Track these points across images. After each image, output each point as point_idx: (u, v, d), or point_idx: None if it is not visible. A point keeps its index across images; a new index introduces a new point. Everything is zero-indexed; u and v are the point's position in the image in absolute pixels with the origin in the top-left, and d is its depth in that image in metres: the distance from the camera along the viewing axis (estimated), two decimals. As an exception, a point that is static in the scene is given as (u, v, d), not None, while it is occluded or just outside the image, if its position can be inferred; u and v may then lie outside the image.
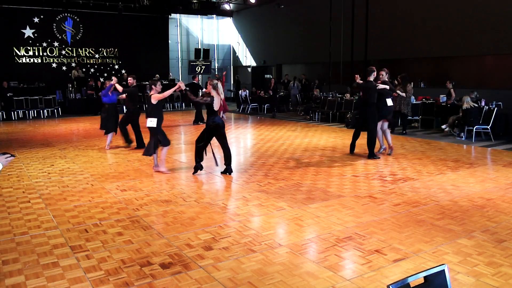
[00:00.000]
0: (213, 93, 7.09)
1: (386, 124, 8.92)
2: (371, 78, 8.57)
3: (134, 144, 9.99)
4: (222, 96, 7.38)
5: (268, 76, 24.15)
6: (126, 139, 10.10)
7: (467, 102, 10.76)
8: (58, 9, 19.94)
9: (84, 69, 20.68)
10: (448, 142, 10.52)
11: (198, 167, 7.45)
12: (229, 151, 7.38)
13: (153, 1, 21.23)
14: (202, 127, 8.50)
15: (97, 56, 21.36)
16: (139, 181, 7.04)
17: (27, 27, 19.45)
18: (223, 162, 7.48)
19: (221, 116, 12.39)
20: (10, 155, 3.11)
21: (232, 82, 27.19)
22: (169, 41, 23.76)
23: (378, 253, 4.11)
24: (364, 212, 5.32)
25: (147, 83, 19.35)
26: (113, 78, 9.67)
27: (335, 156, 8.98)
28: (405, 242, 4.37)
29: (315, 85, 19.24)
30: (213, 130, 7.17)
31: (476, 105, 11.02)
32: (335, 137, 11.47)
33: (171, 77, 22.84)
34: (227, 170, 7.41)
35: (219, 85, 7.26)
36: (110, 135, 9.95)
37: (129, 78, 9.79)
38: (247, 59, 25.45)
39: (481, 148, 9.85)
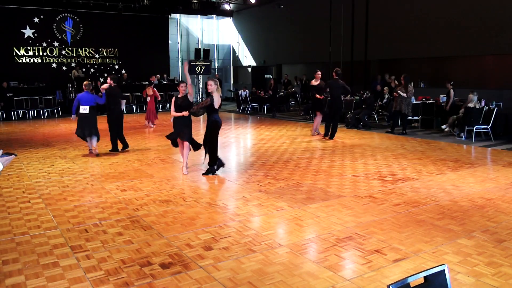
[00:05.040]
0: (215, 92, 7.13)
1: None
2: (338, 77, 10.93)
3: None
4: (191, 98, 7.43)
5: (268, 76, 24.16)
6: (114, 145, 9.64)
7: (473, 102, 10.73)
8: (58, 9, 19.94)
9: (84, 69, 20.68)
10: (448, 142, 10.52)
11: (220, 164, 7.45)
12: (215, 152, 7.33)
13: (153, 1, 21.22)
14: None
15: (97, 56, 21.36)
16: (139, 181, 7.04)
17: (27, 27, 19.45)
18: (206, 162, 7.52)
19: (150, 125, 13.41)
20: (13, 155, 3.13)
21: (232, 82, 27.20)
22: (169, 41, 23.77)
23: (378, 253, 4.11)
24: (364, 212, 5.32)
25: (147, 83, 19.39)
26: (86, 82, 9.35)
27: (335, 156, 8.98)
28: (405, 242, 4.37)
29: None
30: (213, 128, 7.20)
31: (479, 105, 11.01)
32: (335, 137, 11.45)
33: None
34: (211, 171, 7.39)
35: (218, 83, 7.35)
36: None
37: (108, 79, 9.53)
38: (247, 59, 25.45)
39: (481, 148, 9.84)
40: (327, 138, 11.13)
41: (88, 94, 9.02)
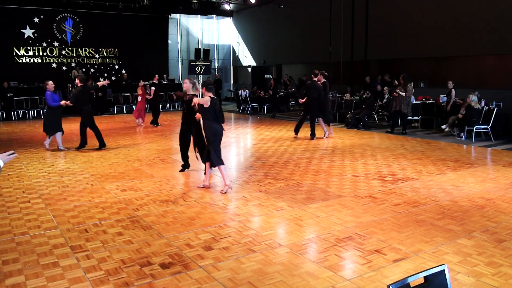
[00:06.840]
0: (191, 91, 6.95)
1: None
2: (316, 79, 11.03)
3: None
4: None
5: (268, 76, 24.16)
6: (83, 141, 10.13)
7: (475, 102, 10.72)
8: (58, 9, 19.93)
9: (84, 69, 20.67)
10: (448, 142, 10.52)
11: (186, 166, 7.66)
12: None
13: (153, 1, 21.22)
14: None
15: (97, 56, 21.35)
16: (139, 181, 7.04)
17: (27, 27, 19.44)
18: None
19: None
20: (14, 154, 3.16)
21: (232, 82, 27.20)
22: (169, 41, 23.76)
23: (378, 253, 4.11)
24: (364, 212, 5.32)
25: (148, 83, 19.45)
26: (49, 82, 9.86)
27: (335, 156, 8.98)
28: (405, 242, 4.37)
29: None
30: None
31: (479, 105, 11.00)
32: (335, 137, 11.46)
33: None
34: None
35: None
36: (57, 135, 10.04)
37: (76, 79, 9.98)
38: (247, 59, 25.45)
39: (481, 148, 9.84)
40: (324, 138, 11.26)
41: (55, 94, 10.04)
